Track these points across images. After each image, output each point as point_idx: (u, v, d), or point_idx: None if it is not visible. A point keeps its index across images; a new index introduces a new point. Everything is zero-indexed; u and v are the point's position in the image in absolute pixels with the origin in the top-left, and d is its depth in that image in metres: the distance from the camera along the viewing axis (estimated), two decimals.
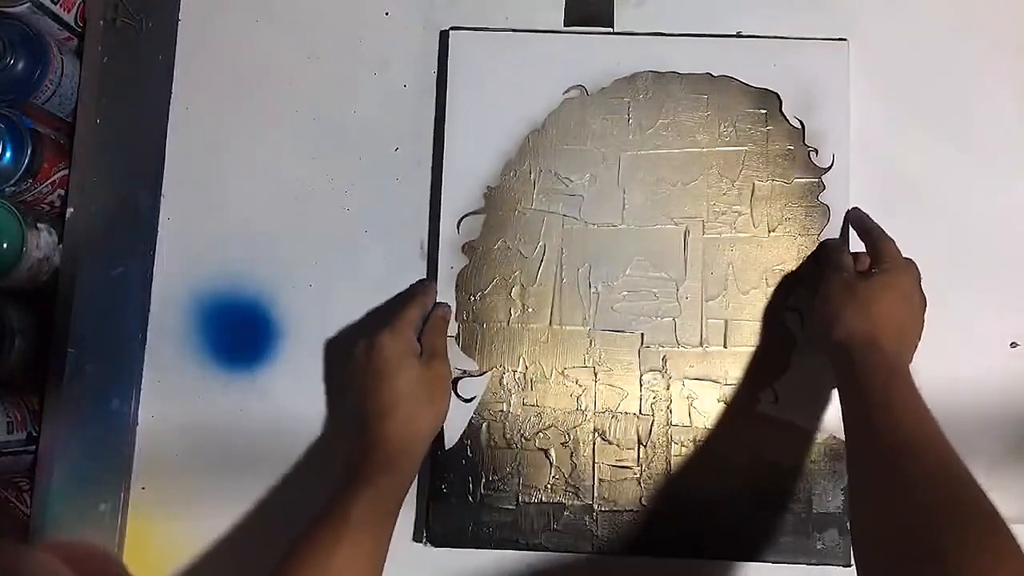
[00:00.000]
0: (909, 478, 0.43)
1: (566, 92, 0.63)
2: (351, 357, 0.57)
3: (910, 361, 0.54)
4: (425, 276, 0.63)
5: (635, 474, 0.60)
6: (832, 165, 0.62)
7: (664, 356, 0.61)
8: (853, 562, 0.47)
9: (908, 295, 0.55)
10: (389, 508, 0.52)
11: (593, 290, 0.61)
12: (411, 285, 0.62)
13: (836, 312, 0.54)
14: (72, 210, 0.62)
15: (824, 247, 0.61)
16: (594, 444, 0.60)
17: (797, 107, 0.62)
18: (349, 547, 0.49)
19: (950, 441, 0.45)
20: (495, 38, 0.63)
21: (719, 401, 0.61)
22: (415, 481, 0.60)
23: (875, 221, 0.59)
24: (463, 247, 0.62)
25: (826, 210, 0.62)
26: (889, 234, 0.58)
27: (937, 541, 0.39)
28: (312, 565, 0.48)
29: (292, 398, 0.62)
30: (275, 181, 0.64)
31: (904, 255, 0.57)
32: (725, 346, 0.61)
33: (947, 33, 0.64)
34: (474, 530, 0.60)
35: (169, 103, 0.65)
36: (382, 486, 0.51)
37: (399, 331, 0.56)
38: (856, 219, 0.61)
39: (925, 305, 0.56)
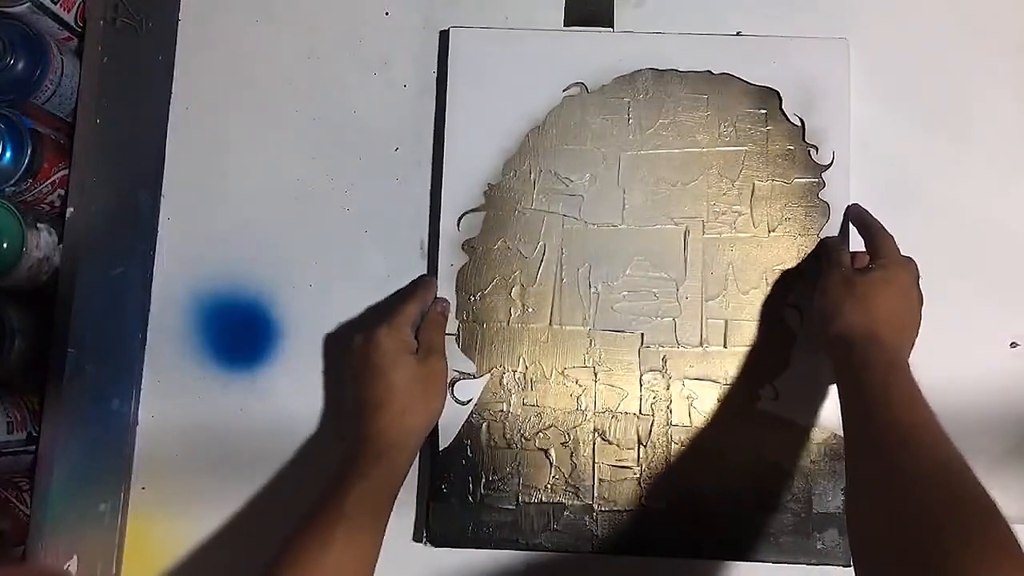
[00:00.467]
0: (908, 475, 0.43)
1: (566, 90, 0.63)
2: (348, 351, 0.57)
3: (908, 356, 0.54)
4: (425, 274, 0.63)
5: (635, 474, 0.60)
6: (832, 162, 0.62)
7: (664, 356, 0.61)
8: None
9: (906, 291, 0.55)
10: (382, 501, 0.52)
11: (593, 290, 0.61)
12: (412, 281, 0.62)
13: (835, 307, 0.54)
14: (72, 210, 0.62)
15: (823, 244, 0.61)
16: (594, 444, 0.60)
17: (797, 104, 0.62)
18: (343, 540, 0.49)
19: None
20: (495, 36, 0.63)
21: (719, 401, 0.61)
22: (415, 480, 0.61)
23: (875, 217, 0.59)
24: (463, 245, 0.62)
25: (826, 208, 0.62)
26: (888, 230, 0.58)
27: (937, 539, 0.39)
28: (306, 560, 0.48)
29: (292, 398, 0.62)
30: (275, 181, 0.64)
31: (904, 253, 0.57)
32: (725, 346, 0.61)
33: (947, 33, 0.64)
34: (474, 530, 0.60)
35: (169, 103, 0.65)
36: (375, 479, 0.52)
37: (396, 327, 0.56)
38: (856, 215, 0.61)
39: (922, 302, 0.56)
